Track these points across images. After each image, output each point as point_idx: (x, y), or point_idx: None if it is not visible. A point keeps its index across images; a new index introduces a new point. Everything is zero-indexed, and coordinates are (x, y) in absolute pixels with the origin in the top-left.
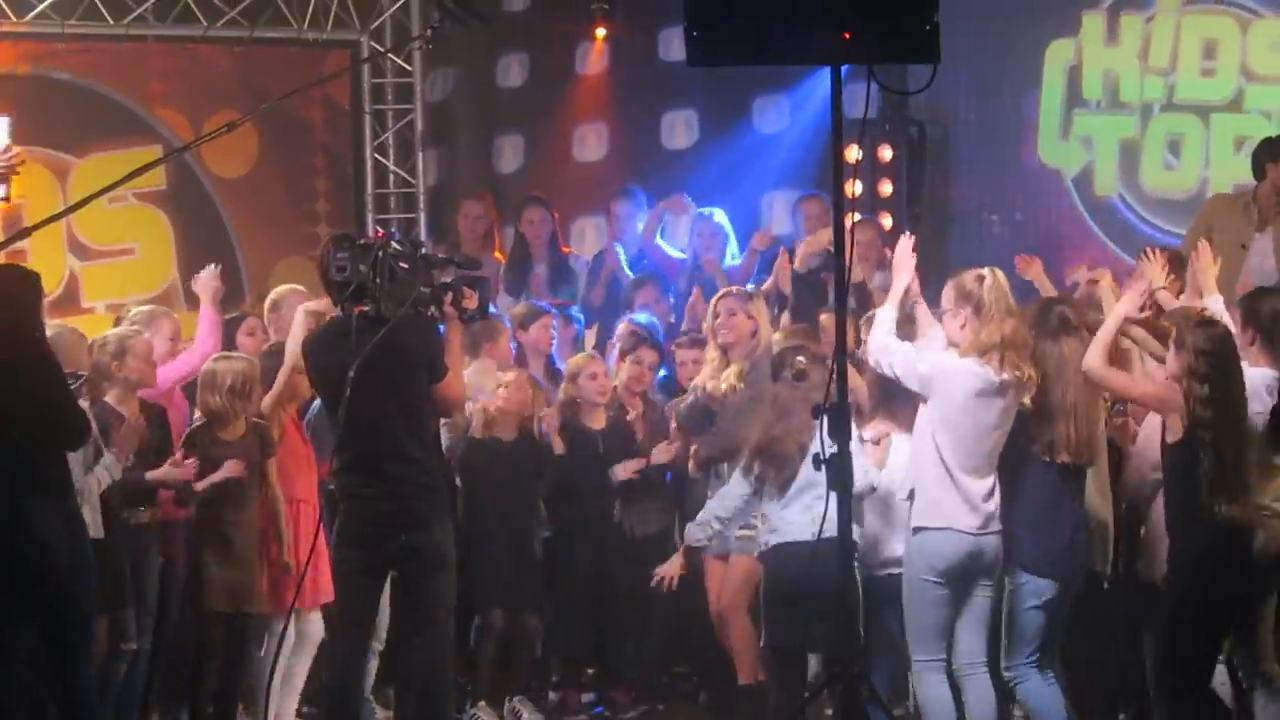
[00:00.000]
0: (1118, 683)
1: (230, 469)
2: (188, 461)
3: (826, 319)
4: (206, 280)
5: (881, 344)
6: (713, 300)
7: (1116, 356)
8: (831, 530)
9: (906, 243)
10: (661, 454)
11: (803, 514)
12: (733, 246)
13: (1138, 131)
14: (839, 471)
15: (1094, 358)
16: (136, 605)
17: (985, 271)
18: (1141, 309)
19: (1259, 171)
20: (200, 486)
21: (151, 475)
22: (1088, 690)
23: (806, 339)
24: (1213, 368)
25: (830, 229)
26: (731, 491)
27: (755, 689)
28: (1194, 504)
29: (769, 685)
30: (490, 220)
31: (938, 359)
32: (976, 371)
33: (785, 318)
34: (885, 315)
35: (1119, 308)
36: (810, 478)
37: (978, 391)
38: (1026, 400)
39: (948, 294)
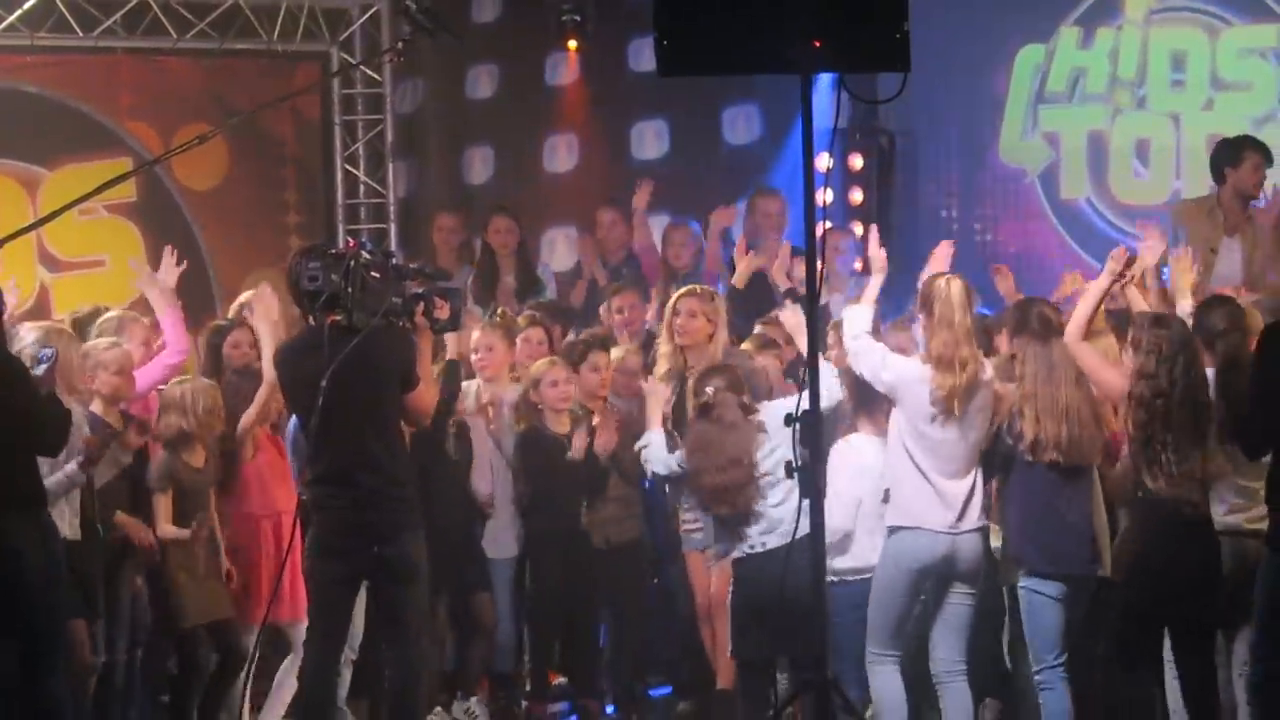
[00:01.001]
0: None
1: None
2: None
3: (786, 316)
4: (167, 265)
5: (851, 347)
6: (674, 297)
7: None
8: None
9: (875, 240)
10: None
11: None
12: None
13: (1106, 124)
14: (811, 479)
15: (1072, 330)
16: (109, 617)
17: (941, 279)
18: (1122, 280)
19: (1218, 176)
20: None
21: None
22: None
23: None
24: (1169, 368)
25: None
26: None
27: (732, 694)
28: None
29: (736, 695)
30: (465, 234)
31: (901, 366)
32: (928, 379)
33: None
34: (858, 315)
35: (1099, 281)
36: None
37: (931, 399)
38: (956, 410)
39: (918, 299)
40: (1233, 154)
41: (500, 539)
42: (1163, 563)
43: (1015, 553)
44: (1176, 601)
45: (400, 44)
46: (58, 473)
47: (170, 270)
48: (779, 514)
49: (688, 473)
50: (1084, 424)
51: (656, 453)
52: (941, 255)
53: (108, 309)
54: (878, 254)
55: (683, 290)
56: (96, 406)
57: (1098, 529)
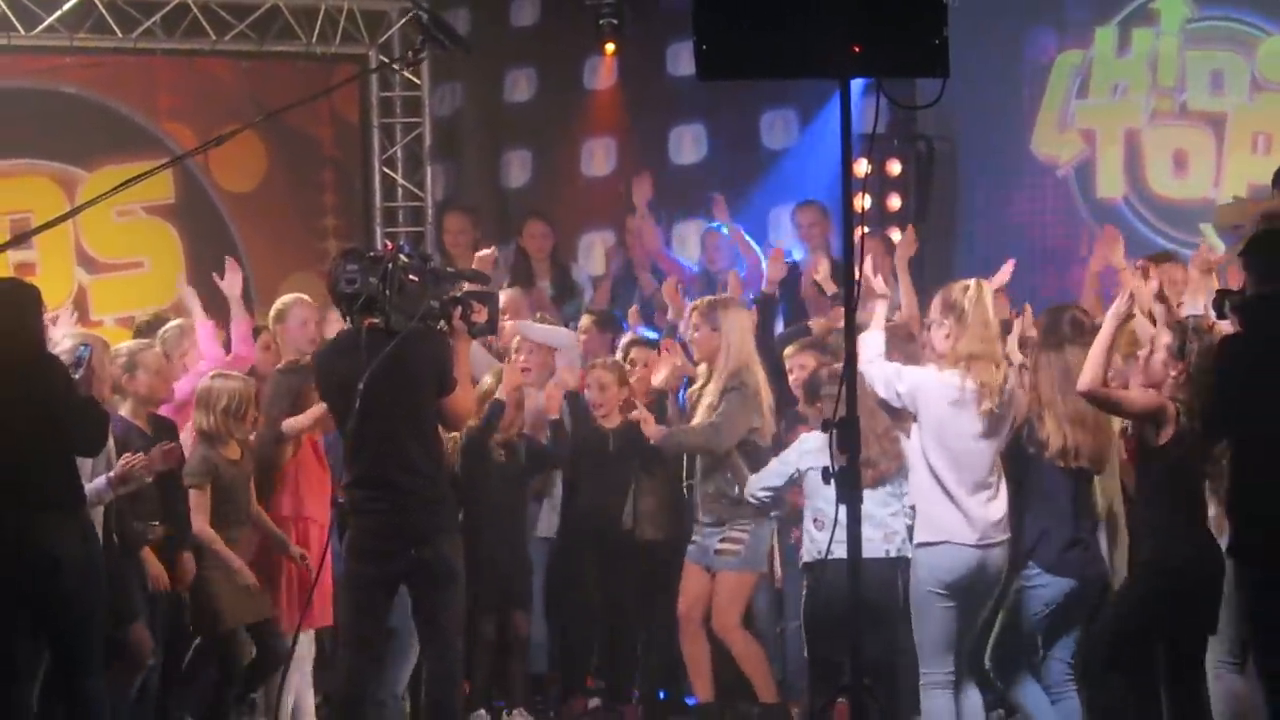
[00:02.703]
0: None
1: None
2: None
3: (818, 325)
4: (231, 279)
5: (866, 372)
6: (689, 309)
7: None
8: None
9: (870, 268)
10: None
11: (875, 529)
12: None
13: (1144, 123)
14: (849, 485)
15: (1086, 379)
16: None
17: (970, 282)
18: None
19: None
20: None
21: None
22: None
23: (817, 350)
24: (1211, 372)
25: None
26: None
27: (778, 709)
28: (1177, 511)
29: (809, 696)
30: (473, 234)
31: (914, 376)
32: (950, 383)
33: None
34: (870, 340)
35: (1106, 324)
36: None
37: (952, 402)
38: (991, 405)
39: (935, 305)
40: None
41: (547, 518)
42: (1176, 572)
43: (1028, 549)
44: (1182, 612)
45: (410, 53)
46: (87, 486)
47: (234, 282)
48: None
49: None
50: (1098, 430)
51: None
52: (1005, 271)
53: (168, 317)
54: (874, 281)
55: (694, 303)
56: (126, 410)
57: (1107, 534)
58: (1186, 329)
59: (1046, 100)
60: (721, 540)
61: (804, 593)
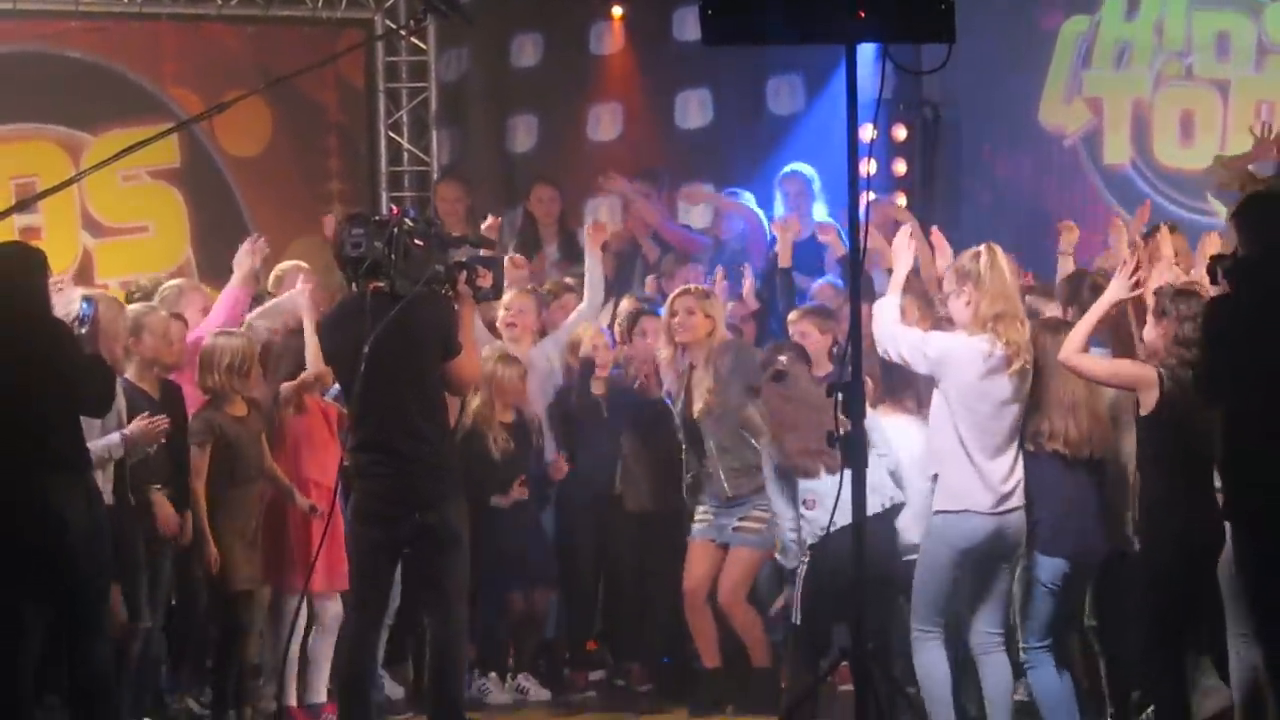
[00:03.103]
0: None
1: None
2: (157, 420)
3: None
4: (241, 257)
5: (888, 332)
6: (670, 297)
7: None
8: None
9: (904, 232)
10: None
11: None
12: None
13: (1150, 93)
14: (853, 449)
15: (1070, 348)
16: (149, 584)
17: (981, 248)
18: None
19: None
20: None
21: (125, 433)
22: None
23: (818, 318)
24: (1198, 333)
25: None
26: (782, 512)
27: (770, 673)
28: (1175, 479)
29: (790, 665)
30: (467, 202)
31: (945, 341)
32: (980, 348)
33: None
34: (888, 304)
35: (1106, 295)
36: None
37: (986, 368)
38: (1023, 363)
39: (949, 277)
40: None
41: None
42: (1177, 537)
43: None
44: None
45: (412, 22)
46: (98, 441)
47: (243, 261)
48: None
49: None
50: (1093, 416)
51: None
52: (902, 243)
53: (160, 279)
54: (904, 245)
55: (678, 290)
56: (131, 373)
57: (1116, 510)
58: (1165, 294)
59: (1053, 69)
60: (742, 519)
61: (803, 570)
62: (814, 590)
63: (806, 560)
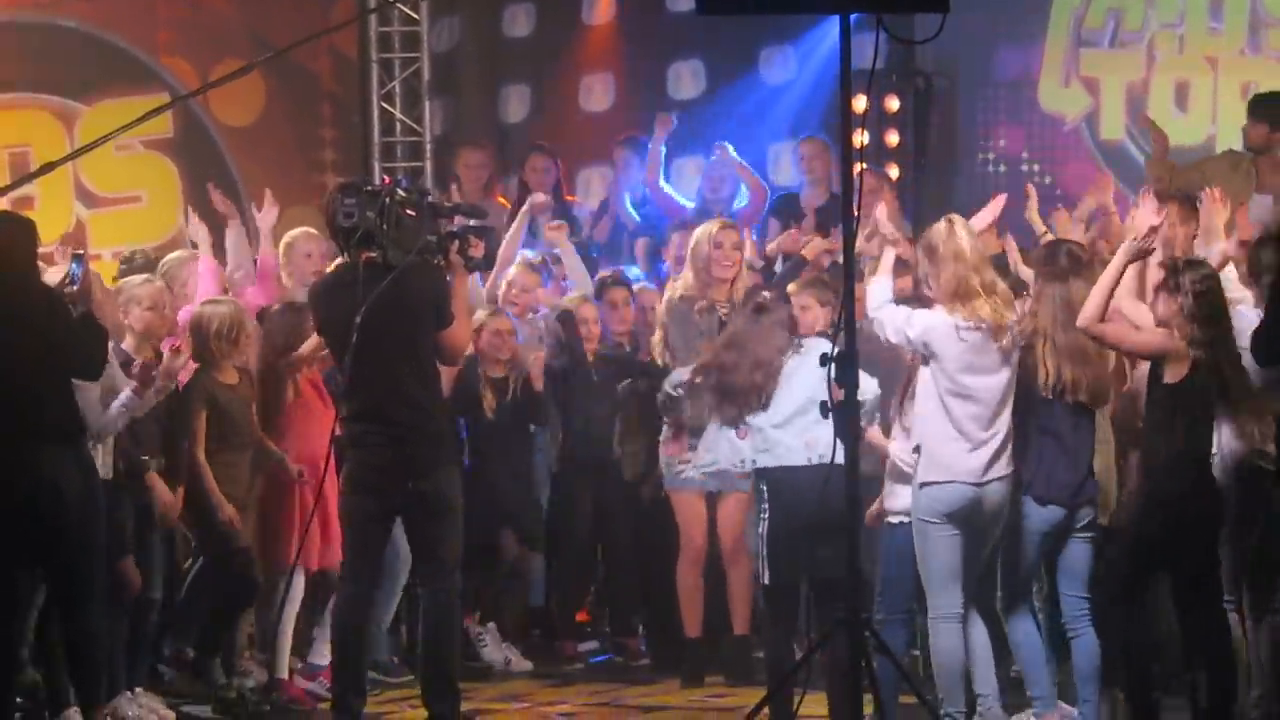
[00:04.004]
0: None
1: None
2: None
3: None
4: (266, 214)
5: (873, 316)
6: (713, 229)
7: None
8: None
9: (884, 214)
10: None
11: (796, 438)
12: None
13: (1144, 72)
14: (847, 421)
15: (1085, 314)
16: (146, 555)
17: (941, 222)
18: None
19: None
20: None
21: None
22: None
23: (819, 290)
24: (1207, 306)
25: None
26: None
27: (746, 639)
28: (1184, 445)
29: (764, 622)
30: (490, 169)
31: (924, 319)
32: (954, 321)
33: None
34: (878, 287)
35: (1115, 260)
36: (803, 404)
37: (960, 340)
38: (1006, 341)
39: (919, 253)
40: (1253, 110)
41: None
42: (1173, 504)
43: (1024, 484)
44: (1182, 544)
45: None
46: (113, 404)
47: (270, 213)
48: (778, 436)
49: (710, 368)
50: (1099, 364)
51: None
52: (995, 205)
53: (148, 251)
54: (889, 227)
55: (719, 224)
56: (129, 344)
57: (1102, 473)
58: (1179, 264)
59: (1048, 47)
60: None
61: (764, 528)
62: (777, 543)
63: (765, 516)
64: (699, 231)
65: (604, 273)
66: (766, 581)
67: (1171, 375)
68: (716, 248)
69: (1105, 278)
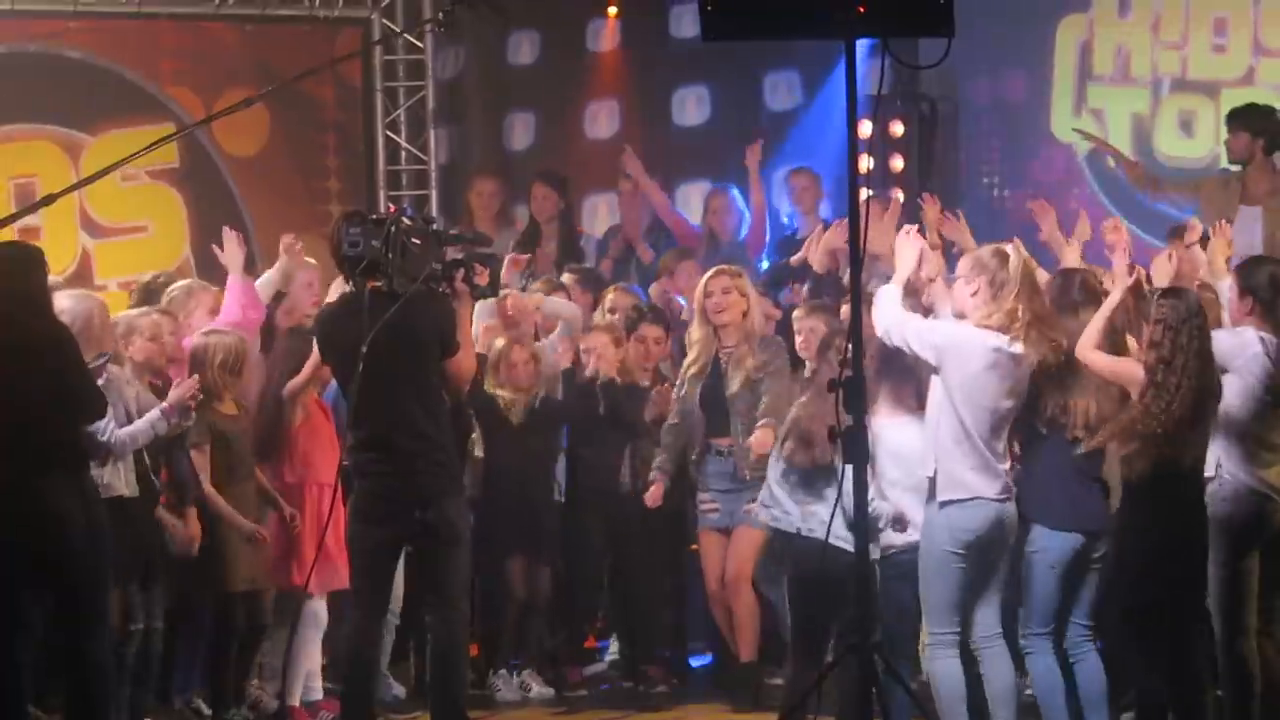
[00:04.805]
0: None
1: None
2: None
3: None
4: (231, 249)
5: (892, 318)
6: (704, 278)
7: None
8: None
9: (905, 233)
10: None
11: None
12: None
13: (1149, 107)
14: (855, 445)
15: (1084, 344)
16: (151, 582)
17: (1009, 248)
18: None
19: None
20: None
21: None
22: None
23: (826, 314)
24: (1173, 337)
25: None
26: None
27: (755, 666)
28: (1159, 470)
29: (790, 663)
30: (502, 198)
31: (951, 329)
32: (993, 343)
33: (803, 292)
34: (890, 292)
35: (1113, 294)
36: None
37: (993, 362)
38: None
39: (965, 264)
40: (1231, 122)
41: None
42: (1161, 528)
43: (1032, 513)
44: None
45: (441, 14)
46: (136, 425)
47: (234, 253)
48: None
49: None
50: (1111, 399)
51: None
52: (904, 243)
53: (165, 281)
54: (907, 246)
55: (712, 271)
56: (128, 374)
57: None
58: (1153, 292)
59: (1058, 79)
60: (752, 500)
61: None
62: (800, 588)
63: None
64: (698, 285)
65: (633, 302)
66: (790, 620)
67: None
68: (708, 297)
69: (1103, 310)
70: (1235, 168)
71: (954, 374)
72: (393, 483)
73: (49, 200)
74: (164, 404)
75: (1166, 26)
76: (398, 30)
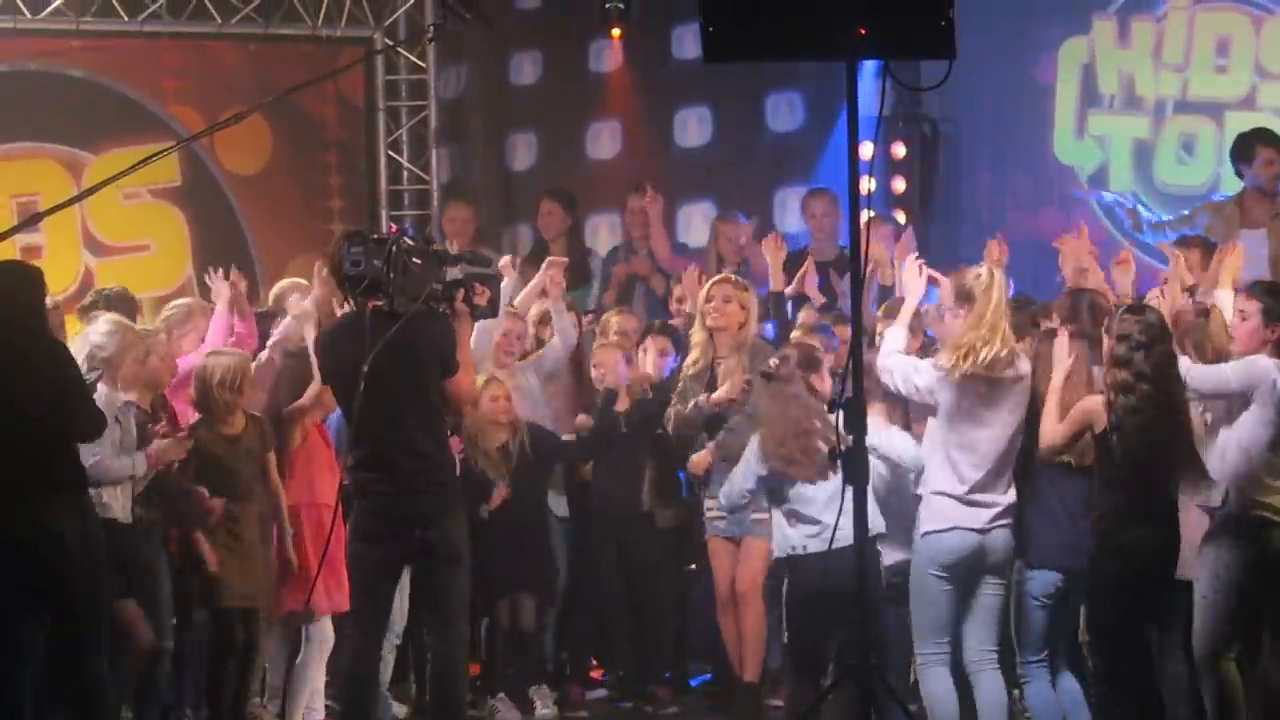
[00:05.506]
0: None
1: (169, 451)
2: (180, 435)
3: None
4: (220, 287)
5: (883, 363)
6: (707, 285)
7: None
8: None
9: (914, 265)
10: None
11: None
12: None
13: (1151, 133)
14: (855, 465)
15: (1046, 423)
16: (154, 601)
17: (982, 270)
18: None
19: (1237, 171)
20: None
21: (148, 451)
22: None
23: (824, 338)
24: (1133, 353)
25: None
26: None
27: (756, 688)
28: (1131, 498)
29: (788, 683)
30: (476, 224)
31: (931, 371)
32: (963, 370)
33: (804, 314)
34: (893, 335)
35: (1055, 376)
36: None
37: (976, 394)
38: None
39: (946, 292)
40: (1245, 150)
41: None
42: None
43: (1022, 546)
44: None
45: (432, 27)
46: (119, 460)
47: (222, 288)
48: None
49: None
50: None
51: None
52: (912, 275)
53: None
54: (914, 278)
55: (717, 278)
56: (132, 393)
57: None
58: (1116, 309)
59: (1060, 103)
60: (760, 509)
61: (784, 585)
62: (798, 609)
63: (785, 579)
64: (702, 289)
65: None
66: (786, 640)
67: (1097, 426)
68: (708, 301)
69: (1054, 380)
70: (1229, 194)
71: (942, 410)
72: (393, 502)
73: (40, 217)
74: (149, 449)
75: (1169, 48)
76: (395, 45)
